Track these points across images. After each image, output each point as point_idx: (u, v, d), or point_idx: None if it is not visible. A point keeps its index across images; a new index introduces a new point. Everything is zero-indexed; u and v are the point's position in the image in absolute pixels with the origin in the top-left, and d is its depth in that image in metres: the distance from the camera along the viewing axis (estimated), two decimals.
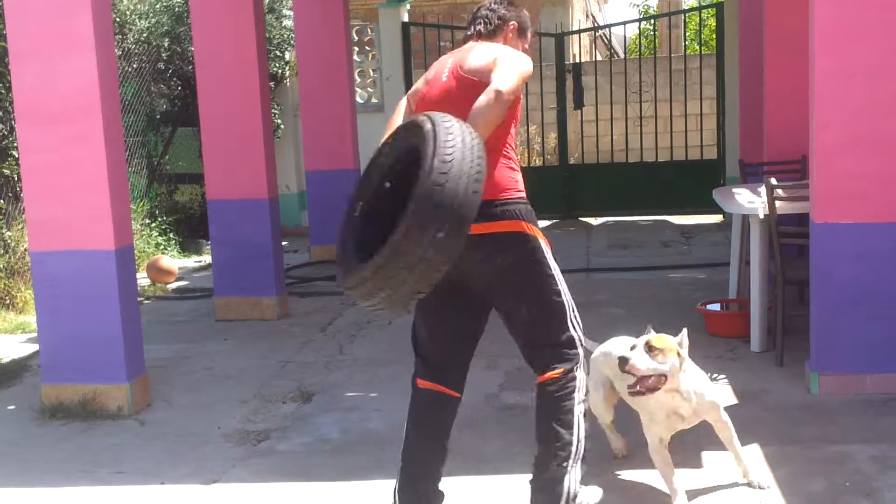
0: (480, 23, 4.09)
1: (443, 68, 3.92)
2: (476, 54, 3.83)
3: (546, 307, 3.72)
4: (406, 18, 11.95)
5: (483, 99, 3.53)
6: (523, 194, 3.77)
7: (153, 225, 10.51)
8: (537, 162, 13.93)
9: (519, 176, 3.80)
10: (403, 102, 4.05)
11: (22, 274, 8.21)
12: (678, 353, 3.79)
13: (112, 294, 5.35)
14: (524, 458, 4.51)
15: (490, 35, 4.02)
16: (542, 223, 11.89)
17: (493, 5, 4.11)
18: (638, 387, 3.75)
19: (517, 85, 3.62)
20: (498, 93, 3.51)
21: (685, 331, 3.86)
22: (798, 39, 6.30)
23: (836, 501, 3.96)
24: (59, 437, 5.15)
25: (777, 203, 5.64)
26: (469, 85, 3.71)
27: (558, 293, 3.73)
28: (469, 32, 4.14)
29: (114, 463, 4.78)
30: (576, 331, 3.78)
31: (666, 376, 3.76)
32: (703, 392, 3.92)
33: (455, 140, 3.26)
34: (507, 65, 3.66)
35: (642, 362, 3.71)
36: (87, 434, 5.17)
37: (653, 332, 3.87)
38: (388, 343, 6.65)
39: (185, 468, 4.67)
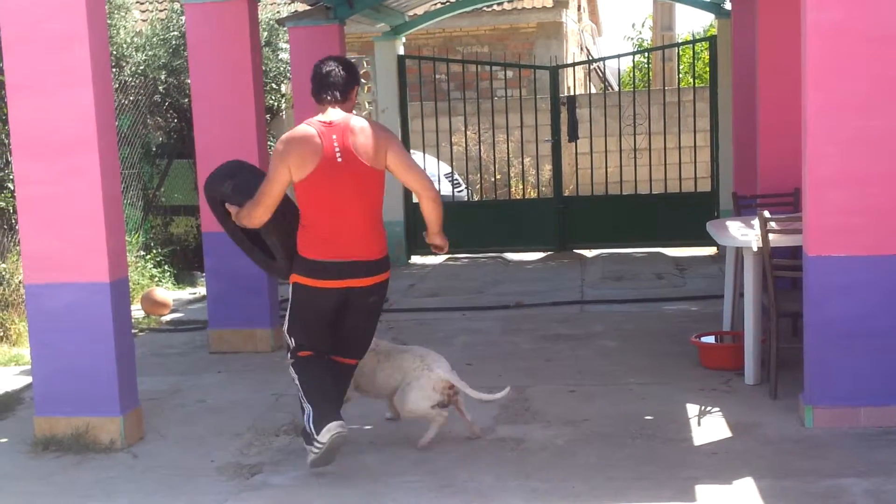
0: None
1: None
2: None
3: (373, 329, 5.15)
4: (402, 51, 12.00)
5: None
6: None
7: (148, 257, 10.50)
8: (532, 194, 14.00)
9: None
10: None
11: (16, 306, 8.20)
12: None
13: (106, 326, 5.35)
14: (520, 490, 4.51)
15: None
16: (537, 255, 12.12)
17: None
18: None
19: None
20: None
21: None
22: (791, 73, 6.35)
23: None
24: (52, 470, 5.13)
25: (770, 236, 5.67)
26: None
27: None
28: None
29: (106, 496, 4.76)
30: None
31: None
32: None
33: None
34: None
35: None
36: (79, 467, 5.15)
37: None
38: None
39: (177, 502, 4.65)
